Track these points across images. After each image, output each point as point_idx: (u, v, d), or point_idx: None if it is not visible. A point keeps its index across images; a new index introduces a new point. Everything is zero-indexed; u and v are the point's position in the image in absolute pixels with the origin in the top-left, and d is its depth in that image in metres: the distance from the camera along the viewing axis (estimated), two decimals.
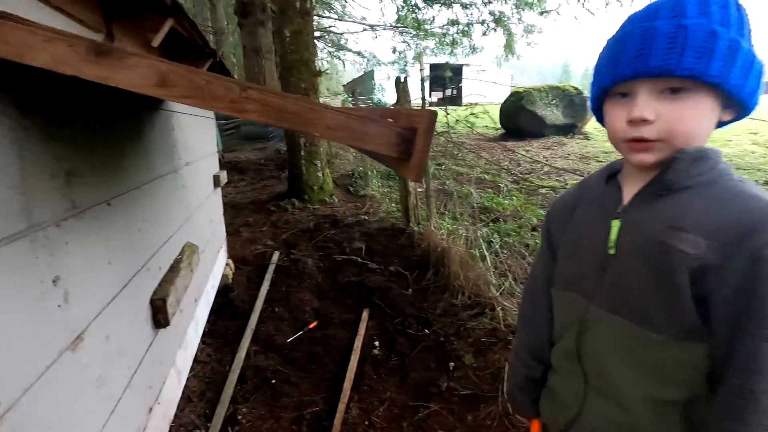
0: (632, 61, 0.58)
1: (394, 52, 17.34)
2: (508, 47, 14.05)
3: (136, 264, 1.26)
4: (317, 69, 4.83)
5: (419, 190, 3.78)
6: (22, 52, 0.56)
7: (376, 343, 2.41)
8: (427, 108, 0.76)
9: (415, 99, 3.81)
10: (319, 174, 5.09)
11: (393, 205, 4.78)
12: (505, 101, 10.50)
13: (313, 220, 4.49)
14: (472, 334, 2.29)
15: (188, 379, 2.18)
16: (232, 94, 0.65)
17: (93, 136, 1.03)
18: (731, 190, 0.58)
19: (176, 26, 1.32)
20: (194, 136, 2.30)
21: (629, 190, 0.68)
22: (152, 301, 1.36)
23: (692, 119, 0.58)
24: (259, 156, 8.92)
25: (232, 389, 2.13)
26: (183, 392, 2.08)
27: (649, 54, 0.57)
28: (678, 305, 0.59)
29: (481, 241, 2.91)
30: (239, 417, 1.95)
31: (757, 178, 5.28)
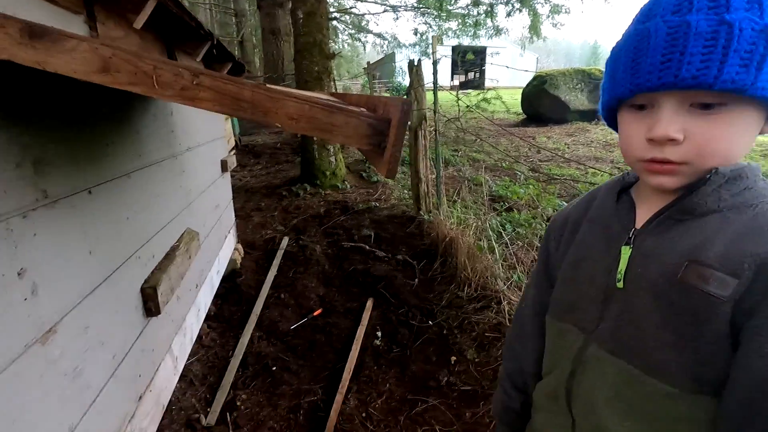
0: (657, 69, 0.47)
1: (415, 34, 16.98)
2: (534, 28, 13.54)
3: (123, 253, 1.24)
4: (331, 52, 4.73)
5: (431, 177, 3.69)
6: None
7: (378, 334, 2.38)
8: (400, 97, 0.69)
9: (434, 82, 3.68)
10: (332, 159, 5.04)
11: (405, 191, 4.71)
12: (527, 85, 10.17)
13: (323, 205, 4.46)
14: (476, 328, 2.23)
15: (191, 362, 2.21)
16: (183, 81, 0.59)
17: (70, 124, 1.00)
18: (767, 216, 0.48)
19: (168, 4, 1.27)
20: (198, 121, 2.27)
21: (644, 211, 0.58)
22: (143, 290, 1.35)
23: (729, 138, 0.48)
24: (276, 139, 8.92)
25: (233, 375, 2.15)
26: (185, 376, 2.11)
27: (680, 61, 0.45)
28: (699, 357, 0.49)
29: (491, 231, 2.82)
30: (238, 403, 1.97)
31: None
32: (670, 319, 0.51)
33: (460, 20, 14.35)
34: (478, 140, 7.03)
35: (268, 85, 0.63)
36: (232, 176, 3.61)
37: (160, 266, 1.50)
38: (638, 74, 0.48)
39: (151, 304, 1.36)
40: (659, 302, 0.52)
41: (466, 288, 2.54)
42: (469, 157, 6.24)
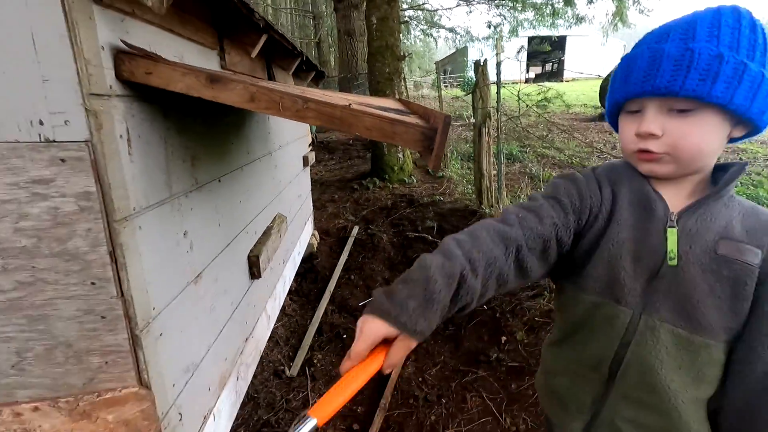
0: (641, 81, 0.63)
1: (489, 26, 16.67)
2: (619, 15, 12.70)
3: (238, 227, 1.63)
4: (402, 53, 5.01)
5: (494, 172, 3.83)
6: (168, 82, 0.87)
7: None
8: (443, 112, 0.94)
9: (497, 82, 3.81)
10: (400, 155, 5.34)
11: (469, 186, 4.86)
12: (606, 77, 9.60)
13: (391, 198, 4.78)
14: (528, 314, 2.39)
15: (277, 327, 2.63)
16: (297, 106, 0.90)
17: (210, 130, 1.38)
18: (747, 204, 0.67)
19: (274, 35, 1.63)
20: (286, 122, 2.68)
21: (671, 197, 0.69)
22: (249, 257, 1.74)
23: (697, 135, 0.63)
24: (348, 136, 9.44)
25: (311, 339, 2.53)
26: (273, 336, 2.52)
27: (656, 75, 0.61)
28: (737, 312, 0.64)
29: None
30: (315, 361, 2.34)
31: None
32: (716, 286, 0.64)
33: (536, 10, 13.83)
34: (549, 135, 6.90)
35: (352, 106, 0.91)
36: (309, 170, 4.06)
37: (260, 240, 1.89)
38: (628, 84, 0.66)
39: (254, 269, 1.75)
40: (706, 274, 0.64)
41: None
42: (538, 153, 6.19)
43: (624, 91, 0.67)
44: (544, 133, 7.01)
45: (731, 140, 0.67)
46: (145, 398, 0.94)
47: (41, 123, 0.78)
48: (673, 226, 0.66)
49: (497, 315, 2.48)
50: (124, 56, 0.86)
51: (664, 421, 0.69)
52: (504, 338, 2.28)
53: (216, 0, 1.22)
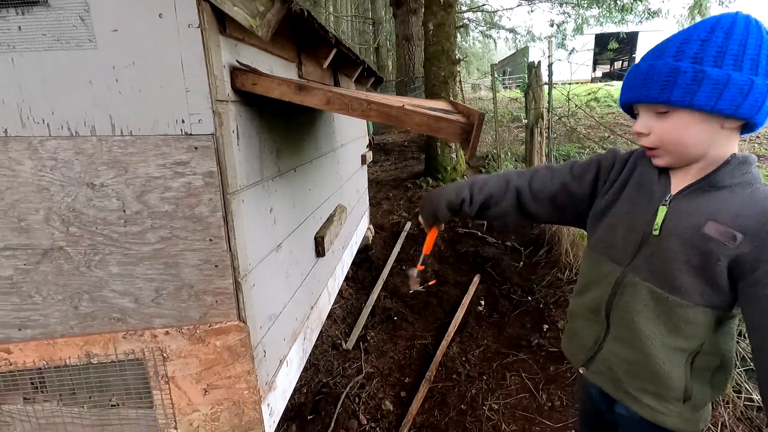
0: (625, 92, 0.80)
1: (551, 25, 16.20)
2: (697, 8, 11.89)
3: (307, 211, 1.92)
4: (457, 57, 5.17)
5: None
6: (267, 90, 1.16)
7: (482, 302, 2.78)
8: (478, 110, 1.14)
9: (549, 83, 3.86)
10: (453, 156, 5.49)
11: None
12: None
13: None
14: None
15: (335, 308, 2.93)
16: (362, 107, 1.15)
17: (289, 129, 1.68)
18: (763, 193, 0.72)
19: (342, 49, 1.91)
20: (347, 124, 2.97)
21: (677, 182, 0.81)
22: (315, 238, 2.03)
23: (676, 132, 0.75)
24: (404, 138, 9.70)
25: (365, 319, 2.80)
26: (331, 315, 2.82)
27: (632, 87, 0.78)
28: (707, 282, 0.75)
29: None
30: (368, 338, 2.60)
31: None
32: (692, 258, 0.75)
33: (604, 7, 13.27)
34: (611, 137, 6.70)
35: (405, 107, 1.14)
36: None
37: (324, 225, 2.18)
38: (623, 93, 0.82)
39: (319, 248, 2.04)
40: (685, 246, 0.76)
41: (567, 272, 2.77)
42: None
43: (621, 99, 0.83)
44: (606, 135, 6.81)
45: (745, 131, 0.75)
46: (243, 330, 1.24)
47: (183, 121, 1.10)
48: (665, 205, 0.80)
49: (541, 305, 2.59)
50: (237, 72, 1.16)
51: (639, 356, 0.84)
52: (546, 326, 2.39)
53: (299, 24, 1.51)
